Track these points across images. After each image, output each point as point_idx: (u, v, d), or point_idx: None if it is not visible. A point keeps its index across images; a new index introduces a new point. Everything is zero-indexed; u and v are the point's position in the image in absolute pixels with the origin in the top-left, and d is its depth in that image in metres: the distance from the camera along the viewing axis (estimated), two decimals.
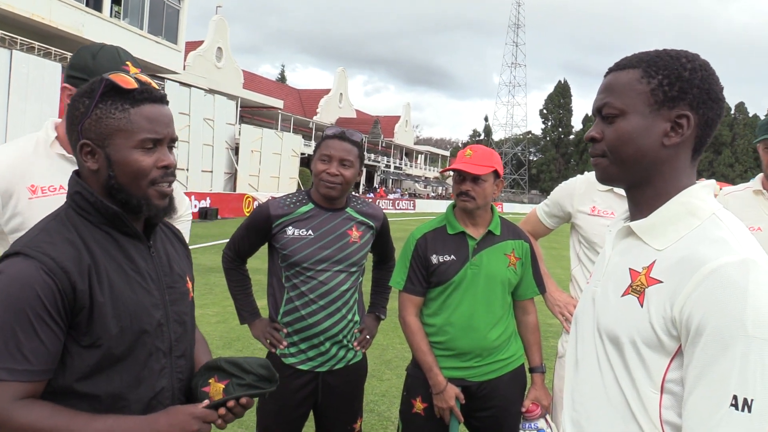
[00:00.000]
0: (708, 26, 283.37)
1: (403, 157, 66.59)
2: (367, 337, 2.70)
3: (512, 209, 62.90)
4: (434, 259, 2.52)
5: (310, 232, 2.52)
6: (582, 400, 1.28)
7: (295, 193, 2.65)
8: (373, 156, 56.65)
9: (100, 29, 24.98)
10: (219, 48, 40.46)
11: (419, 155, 72.69)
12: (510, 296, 2.62)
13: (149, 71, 28.81)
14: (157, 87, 1.44)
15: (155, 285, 1.47)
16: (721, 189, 3.09)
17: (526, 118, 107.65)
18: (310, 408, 2.65)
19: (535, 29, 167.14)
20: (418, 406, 2.56)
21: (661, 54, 1.22)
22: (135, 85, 1.38)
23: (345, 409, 2.66)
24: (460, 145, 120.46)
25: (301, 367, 2.55)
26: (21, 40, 20.90)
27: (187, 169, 26.69)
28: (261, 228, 2.57)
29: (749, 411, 1.01)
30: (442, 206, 42.94)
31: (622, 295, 1.20)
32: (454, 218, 2.58)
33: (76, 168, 1.63)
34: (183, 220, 2.45)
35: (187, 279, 1.61)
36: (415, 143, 77.72)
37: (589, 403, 1.26)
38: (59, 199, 1.81)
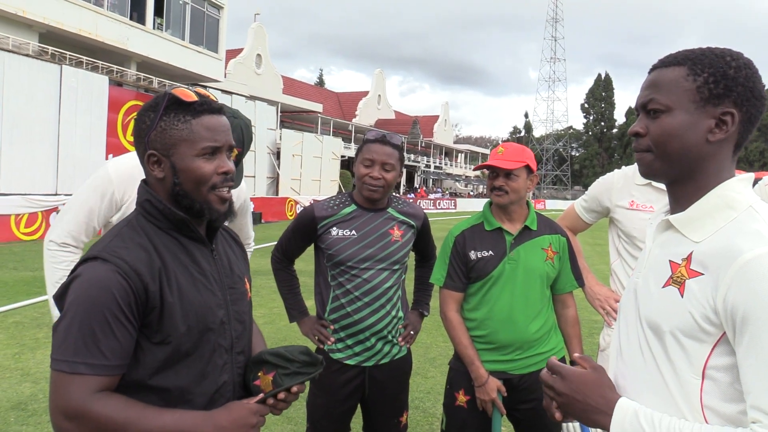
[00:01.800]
0: (749, 10, 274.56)
1: (443, 156, 66.40)
2: (411, 332, 2.79)
3: (555, 206, 62.07)
4: (473, 255, 2.59)
5: (353, 232, 2.63)
6: (626, 386, 1.32)
7: (338, 196, 2.76)
8: (412, 156, 56.65)
9: (144, 41, 25.69)
10: (258, 55, 41.05)
11: (459, 154, 72.38)
12: (549, 290, 2.68)
13: (192, 80, 29.44)
14: (215, 99, 1.56)
15: (218, 286, 1.58)
16: (761, 179, 3.08)
17: (567, 113, 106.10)
18: (357, 402, 2.75)
19: (571, 22, 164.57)
20: (461, 398, 2.64)
21: (706, 52, 1.26)
22: (195, 98, 1.49)
23: (391, 402, 2.76)
24: (500, 142, 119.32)
25: (348, 362, 2.65)
26: (70, 55, 21.66)
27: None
28: (307, 230, 2.68)
29: None
30: (483, 205, 42.61)
31: (663, 287, 1.24)
32: (491, 215, 2.65)
33: None
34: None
35: (245, 280, 1.72)
36: (455, 142, 77.42)
37: (633, 390, 1.29)
38: None
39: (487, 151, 78.85)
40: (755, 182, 3.03)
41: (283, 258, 2.84)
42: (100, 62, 23.10)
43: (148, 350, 1.44)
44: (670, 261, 1.25)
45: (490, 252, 2.58)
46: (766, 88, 1.28)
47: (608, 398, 1.26)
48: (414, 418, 4.59)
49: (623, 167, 2.97)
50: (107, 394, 1.37)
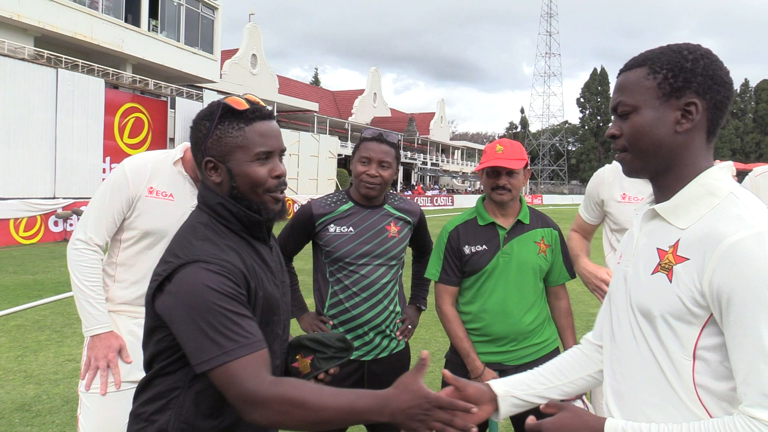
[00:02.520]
0: (742, 3, 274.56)
1: (440, 153, 66.46)
2: (409, 326, 2.85)
3: (552, 201, 62.16)
4: (467, 249, 2.65)
5: (350, 228, 2.69)
6: (621, 371, 1.37)
7: (335, 193, 2.82)
8: (409, 154, 56.68)
9: (140, 44, 25.72)
10: (253, 55, 41.08)
11: (456, 151, 72.45)
12: (542, 282, 2.74)
13: (188, 82, 29.48)
14: (263, 104, 1.64)
15: (276, 281, 1.69)
16: (751, 170, 3.13)
17: (563, 107, 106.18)
18: None
19: (566, 16, 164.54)
20: None
21: (665, 50, 1.33)
22: (246, 106, 1.58)
23: None
24: (496, 138, 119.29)
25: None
26: (65, 58, 21.69)
27: None
28: (305, 227, 2.74)
29: None
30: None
31: (652, 273, 1.29)
32: (484, 210, 2.71)
33: (190, 185, 2.34)
34: None
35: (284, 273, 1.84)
36: (451, 139, 77.51)
37: (628, 373, 1.35)
38: (168, 203, 2.44)
39: (483, 147, 78.93)
40: (745, 173, 3.08)
41: (282, 256, 2.89)
42: (96, 65, 23.14)
43: None
44: (657, 248, 1.31)
45: (484, 246, 2.64)
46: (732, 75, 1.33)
47: (595, 427, 1.32)
48: None
49: (614, 161, 3.01)
50: (278, 379, 1.44)
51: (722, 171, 1.31)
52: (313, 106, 42.40)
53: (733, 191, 1.27)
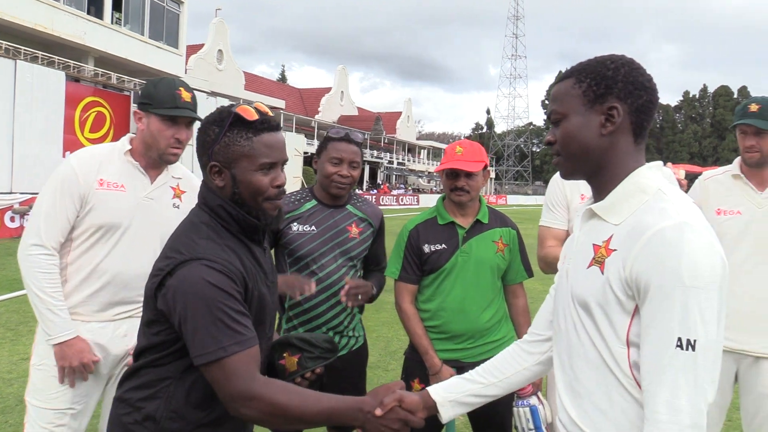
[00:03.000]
0: (704, 8, 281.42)
1: (406, 152, 66.65)
2: (358, 295, 2.62)
3: (516, 201, 62.86)
4: (426, 248, 2.70)
5: (313, 227, 2.69)
6: (570, 363, 1.45)
7: (299, 191, 2.82)
8: (375, 152, 56.72)
9: (102, 37, 25.23)
10: (219, 50, 40.62)
11: (422, 150, 72.73)
12: (500, 281, 2.80)
13: (151, 76, 29.01)
14: (271, 113, 1.70)
15: (269, 281, 1.76)
16: (701, 174, 3.23)
17: (528, 109, 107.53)
18: (318, 390, 2.82)
19: (531, 19, 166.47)
20: (416, 387, 2.74)
21: (591, 61, 1.44)
22: (256, 117, 1.63)
23: (350, 389, 2.84)
24: (462, 138, 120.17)
25: None
26: (24, 50, 21.14)
27: (193, 171, 26.85)
28: None
29: (693, 350, 1.21)
30: None
31: (588, 267, 1.39)
32: (443, 209, 2.76)
33: (141, 174, 2.39)
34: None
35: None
36: (418, 138, 77.77)
37: (575, 365, 1.42)
38: (120, 195, 2.38)
39: (475, 144, 79.32)
40: (696, 177, 3.19)
41: None
42: (57, 57, 22.60)
43: None
44: (593, 244, 1.40)
45: (443, 245, 2.69)
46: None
47: None
48: None
49: None
50: (268, 380, 1.54)
51: (651, 170, 1.41)
52: (280, 103, 42.09)
53: (661, 188, 1.36)
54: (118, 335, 2.46)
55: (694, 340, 1.21)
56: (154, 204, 2.50)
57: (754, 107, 2.79)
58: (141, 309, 2.45)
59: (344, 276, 2.71)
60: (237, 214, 1.65)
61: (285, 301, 2.74)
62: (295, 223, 2.70)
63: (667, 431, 1.21)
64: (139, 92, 2.51)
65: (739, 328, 2.72)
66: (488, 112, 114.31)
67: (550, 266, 2.79)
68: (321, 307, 2.69)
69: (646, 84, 1.40)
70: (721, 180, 2.98)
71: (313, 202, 2.76)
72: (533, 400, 2.48)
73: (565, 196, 2.94)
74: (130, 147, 2.49)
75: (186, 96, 2.42)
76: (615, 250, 1.33)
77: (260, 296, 1.67)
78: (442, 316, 2.69)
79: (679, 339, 1.21)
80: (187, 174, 2.69)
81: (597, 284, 1.35)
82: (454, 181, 2.66)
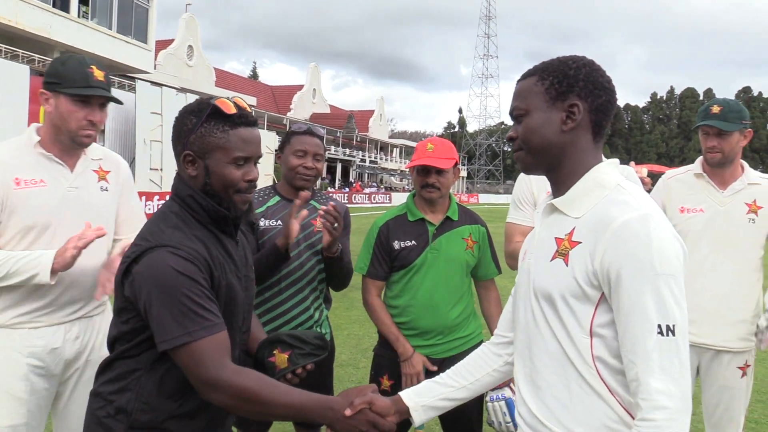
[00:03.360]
0: (670, 12, 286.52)
1: (379, 151, 66.72)
2: (334, 225, 2.49)
3: (488, 200, 63.39)
4: (396, 244, 2.70)
5: (279, 222, 2.69)
6: (530, 356, 1.48)
7: (262, 189, 2.82)
8: (348, 151, 56.70)
9: (68, 30, 24.78)
10: (190, 46, 40.20)
11: (394, 149, 72.89)
12: (468, 278, 2.81)
13: (119, 71, 28.59)
14: (249, 109, 1.72)
15: (240, 274, 1.76)
16: (664, 173, 3.29)
17: (499, 108, 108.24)
18: None
19: (502, 19, 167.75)
20: (385, 383, 2.74)
21: (554, 61, 1.49)
22: (234, 110, 1.65)
23: (317, 384, 2.82)
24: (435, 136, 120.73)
25: None
26: None
27: (161, 169, 26.53)
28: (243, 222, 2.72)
29: (673, 334, 1.26)
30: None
31: (551, 260, 1.42)
32: (414, 206, 2.77)
33: (59, 164, 2.18)
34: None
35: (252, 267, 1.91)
36: (390, 137, 77.93)
37: (535, 357, 1.46)
38: (41, 190, 2.20)
39: (446, 141, 79.72)
40: (659, 176, 3.24)
41: None
42: (21, 51, 22.13)
43: None
44: (555, 237, 1.44)
45: (413, 242, 2.70)
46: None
47: None
48: None
49: None
50: (240, 369, 1.56)
51: (609, 166, 1.47)
52: (251, 100, 41.77)
53: (620, 183, 1.42)
54: (69, 338, 2.33)
55: (673, 325, 1.26)
56: (80, 193, 2.33)
57: (716, 109, 2.86)
58: (92, 308, 2.41)
59: (311, 270, 2.71)
60: (207, 205, 1.66)
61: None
62: (262, 220, 2.70)
63: (663, 417, 1.24)
64: (45, 71, 2.29)
65: (701, 322, 2.80)
66: (460, 111, 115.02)
67: (517, 261, 2.79)
68: (289, 302, 2.68)
69: (606, 85, 1.46)
70: (684, 179, 3.05)
71: (277, 198, 2.77)
72: (507, 393, 2.49)
73: (532, 194, 2.98)
74: (38, 138, 2.28)
75: (99, 74, 2.24)
76: (579, 242, 1.37)
77: (229, 286, 1.67)
78: (412, 312, 2.69)
79: (659, 326, 1.26)
80: (107, 153, 2.52)
81: (561, 276, 1.38)
82: (425, 177, 2.67)
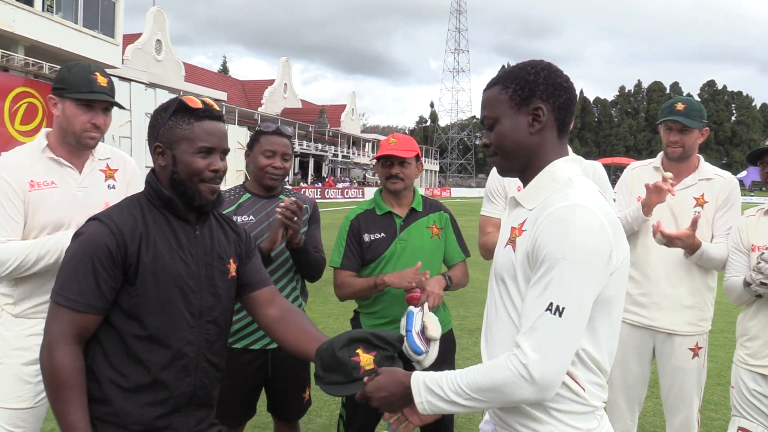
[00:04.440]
0: (637, 9, 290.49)
1: (351, 145, 66.66)
2: (294, 218, 2.60)
3: (460, 193, 63.76)
4: (366, 237, 2.80)
5: (251, 217, 2.79)
6: (490, 332, 1.63)
7: (233, 188, 2.92)
8: (320, 146, 56.56)
9: (33, 24, 24.29)
10: (158, 40, 39.70)
11: (367, 143, 72.89)
12: (439, 266, 2.90)
13: None
14: (217, 108, 1.86)
15: (194, 260, 1.83)
16: (629, 165, 3.43)
17: (471, 103, 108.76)
18: (262, 383, 2.89)
19: (472, 14, 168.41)
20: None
21: (514, 68, 1.61)
22: (200, 105, 1.79)
23: (294, 379, 2.91)
24: (407, 132, 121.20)
25: (252, 347, 2.80)
26: None
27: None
28: None
29: (560, 316, 1.38)
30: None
31: (504, 247, 1.58)
32: (381, 200, 2.88)
33: (67, 167, 2.38)
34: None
35: (231, 261, 1.95)
36: (362, 131, 77.88)
37: (495, 335, 1.60)
38: (54, 191, 2.35)
39: (407, 137, 79.78)
40: (623, 168, 3.39)
41: None
42: None
43: (129, 297, 1.73)
44: (511, 227, 1.58)
45: (382, 234, 2.80)
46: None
47: (404, 382, 1.57)
48: (322, 397, 4.75)
49: None
50: (73, 353, 1.67)
51: (567, 162, 1.58)
52: (222, 95, 41.52)
53: (572, 178, 1.53)
54: None
55: (563, 308, 1.38)
56: (89, 191, 2.48)
57: (680, 106, 3.00)
58: None
59: (286, 261, 2.80)
60: (157, 188, 1.80)
61: None
62: (235, 216, 2.77)
63: (513, 364, 1.39)
64: (55, 77, 2.46)
65: (653, 306, 3.02)
66: (432, 105, 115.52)
67: (490, 252, 2.87)
68: None
69: (565, 84, 1.57)
70: (645, 171, 3.21)
71: (248, 195, 2.86)
72: (414, 309, 2.57)
73: (503, 187, 3.10)
74: (47, 142, 2.45)
75: (102, 81, 2.41)
76: (525, 230, 1.51)
77: (164, 266, 1.75)
78: (383, 301, 2.78)
79: (551, 304, 1.38)
80: (115, 152, 2.66)
81: (509, 260, 1.53)
82: (389, 169, 2.78)
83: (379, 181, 2.98)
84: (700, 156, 3.14)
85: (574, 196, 1.45)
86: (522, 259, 1.48)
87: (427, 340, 2.49)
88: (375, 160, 2.85)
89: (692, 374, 3.04)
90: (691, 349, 3.02)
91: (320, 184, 46.85)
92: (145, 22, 39.61)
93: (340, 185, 49.70)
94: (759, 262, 2.57)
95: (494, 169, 3.22)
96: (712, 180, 3.05)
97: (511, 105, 1.56)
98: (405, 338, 2.49)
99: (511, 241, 1.55)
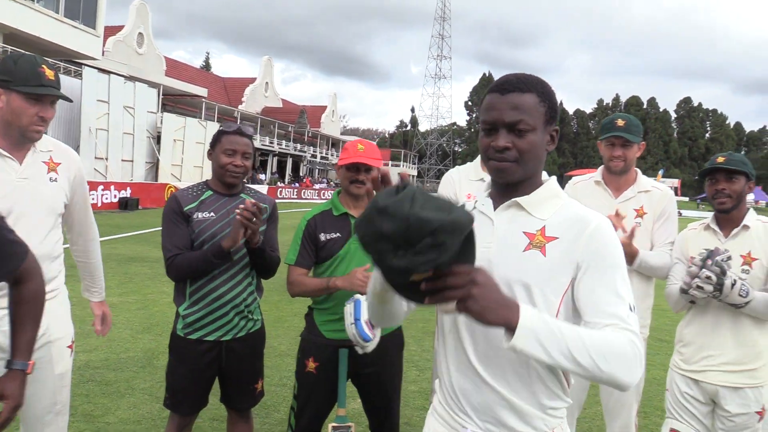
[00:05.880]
0: (614, 22, 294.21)
1: (330, 147, 66.63)
2: (253, 219, 2.72)
3: None
4: (322, 236, 2.93)
5: (212, 213, 2.91)
6: (486, 334, 1.57)
7: (195, 185, 3.03)
8: (299, 146, 56.45)
9: (12, 12, 23.99)
10: (140, 34, 39.36)
11: None
12: None
13: (66, 57, 27.86)
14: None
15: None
16: (571, 178, 3.62)
17: (451, 109, 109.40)
18: (215, 374, 3.01)
19: (454, 20, 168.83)
20: (311, 365, 2.96)
21: (541, 81, 1.64)
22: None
23: (247, 370, 3.04)
24: (386, 135, 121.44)
25: (207, 338, 2.91)
26: None
27: (107, 159, 26.05)
28: (181, 216, 2.90)
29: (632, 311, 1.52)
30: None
31: (524, 251, 1.58)
32: (338, 202, 3.01)
33: (8, 158, 2.43)
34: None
35: None
36: (342, 133, 77.84)
37: (496, 339, 1.52)
38: None
39: (373, 143, 79.76)
40: (567, 180, 3.59)
41: (180, 250, 2.89)
42: None
43: None
44: (524, 232, 1.60)
45: (338, 234, 2.93)
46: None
47: (510, 304, 1.37)
48: (280, 393, 4.87)
49: (457, 166, 3.44)
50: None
51: (554, 181, 1.71)
52: (202, 91, 41.15)
53: (565, 195, 1.69)
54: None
55: (634, 307, 1.53)
56: (30, 182, 2.50)
57: (621, 122, 3.20)
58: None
59: (243, 257, 2.92)
60: None
61: (186, 288, 2.91)
62: (197, 212, 2.89)
63: (635, 345, 1.44)
64: None
65: None
66: (413, 110, 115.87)
67: None
68: (223, 287, 2.88)
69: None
70: (587, 185, 3.40)
71: (209, 192, 2.97)
72: (360, 297, 2.74)
73: (455, 194, 3.26)
74: None
75: (50, 74, 2.42)
76: (556, 237, 1.57)
77: None
78: (335, 297, 2.91)
79: (630, 305, 1.51)
80: (57, 145, 2.68)
81: (539, 266, 1.56)
82: (355, 174, 2.91)
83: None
84: (638, 170, 3.34)
85: (594, 214, 1.61)
86: (561, 267, 1.55)
87: (373, 327, 2.70)
88: (341, 165, 2.95)
89: None
90: None
91: (297, 184, 46.81)
92: (128, 14, 39.27)
93: (317, 186, 49.70)
94: (690, 266, 2.75)
95: (448, 175, 3.40)
96: (650, 192, 3.24)
97: (544, 120, 1.61)
98: (354, 326, 2.68)
99: (537, 247, 1.58)
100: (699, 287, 2.68)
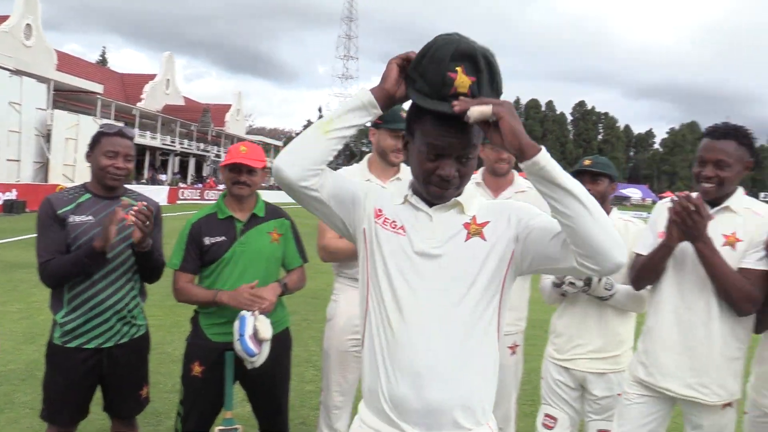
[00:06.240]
0: (516, 25, 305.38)
1: None
2: (145, 222, 2.70)
3: None
4: (207, 240, 2.91)
5: (90, 217, 2.80)
6: (445, 316, 1.65)
7: (72, 188, 2.92)
8: (202, 146, 55.06)
9: None
10: (28, 25, 37.12)
11: None
12: (277, 268, 3.06)
13: None
14: None
15: None
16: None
17: None
18: (96, 382, 2.91)
19: (360, 21, 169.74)
20: (196, 369, 2.93)
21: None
22: None
23: (131, 377, 2.96)
24: (293, 135, 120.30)
25: (86, 346, 2.81)
26: None
27: None
28: (55, 221, 2.77)
29: None
30: (273, 196, 42.57)
31: (466, 241, 1.69)
32: (224, 205, 3.00)
33: None
34: None
35: None
36: (248, 132, 76.57)
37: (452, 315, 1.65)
38: None
39: (279, 143, 79.08)
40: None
41: (54, 255, 2.76)
42: None
43: None
44: (462, 224, 1.72)
45: (223, 237, 2.92)
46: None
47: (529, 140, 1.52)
48: (172, 400, 4.76)
49: (345, 167, 3.52)
50: None
51: (474, 183, 1.84)
52: (98, 87, 39.19)
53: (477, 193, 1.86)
54: None
55: None
56: None
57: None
58: None
59: (125, 261, 2.85)
60: None
61: (64, 294, 2.80)
62: (72, 216, 2.79)
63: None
64: None
65: None
66: (320, 110, 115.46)
67: (331, 255, 3.13)
68: (104, 293, 2.80)
69: None
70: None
71: (88, 195, 2.87)
72: (245, 313, 2.78)
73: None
74: None
75: None
76: (488, 221, 1.71)
77: None
78: None
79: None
80: None
81: (482, 250, 1.68)
82: (237, 175, 2.91)
83: (263, 183, 3.10)
84: (515, 171, 3.52)
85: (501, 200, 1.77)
86: (501, 243, 1.69)
87: (260, 342, 2.73)
88: (224, 166, 2.97)
89: (511, 370, 3.40)
90: (509, 347, 3.38)
91: (200, 185, 45.59)
92: (14, 4, 36.90)
93: (221, 186, 48.56)
94: None
95: (345, 172, 3.46)
96: (525, 192, 3.42)
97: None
98: (239, 342, 2.70)
99: (475, 234, 1.72)
100: (571, 283, 2.91)
